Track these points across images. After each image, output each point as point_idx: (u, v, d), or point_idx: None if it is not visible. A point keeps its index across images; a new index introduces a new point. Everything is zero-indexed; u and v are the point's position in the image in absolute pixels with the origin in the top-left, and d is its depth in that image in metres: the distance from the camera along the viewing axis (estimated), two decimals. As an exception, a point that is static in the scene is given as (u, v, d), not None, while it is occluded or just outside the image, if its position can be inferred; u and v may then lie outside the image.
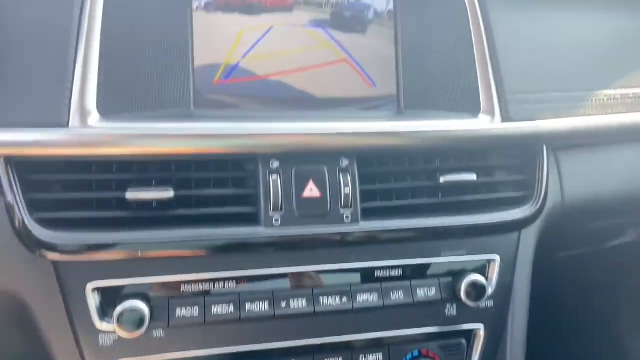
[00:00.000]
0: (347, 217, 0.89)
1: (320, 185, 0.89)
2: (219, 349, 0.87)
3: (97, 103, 0.82)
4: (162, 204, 0.84)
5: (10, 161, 0.79)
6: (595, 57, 1.08)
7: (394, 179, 0.94)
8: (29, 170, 0.81)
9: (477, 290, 0.93)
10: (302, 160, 0.89)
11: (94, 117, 0.82)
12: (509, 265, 0.99)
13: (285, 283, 0.89)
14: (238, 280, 0.87)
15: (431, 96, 0.98)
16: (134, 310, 0.80)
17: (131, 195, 0.82)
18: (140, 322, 0.80)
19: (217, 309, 0.85)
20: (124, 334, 0.81)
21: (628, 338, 1.44)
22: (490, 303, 0.98)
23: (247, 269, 0.87)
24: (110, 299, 0.83)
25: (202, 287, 0.86)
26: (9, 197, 0.79)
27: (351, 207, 0.89)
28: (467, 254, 0.95)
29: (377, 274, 0.92)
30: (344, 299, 0.89)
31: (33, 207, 0.81)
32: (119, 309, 0.80)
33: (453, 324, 0.97)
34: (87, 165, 0.83)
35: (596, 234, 1.33)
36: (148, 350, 0.84)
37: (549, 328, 1.58)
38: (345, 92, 0.97)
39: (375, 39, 0.99)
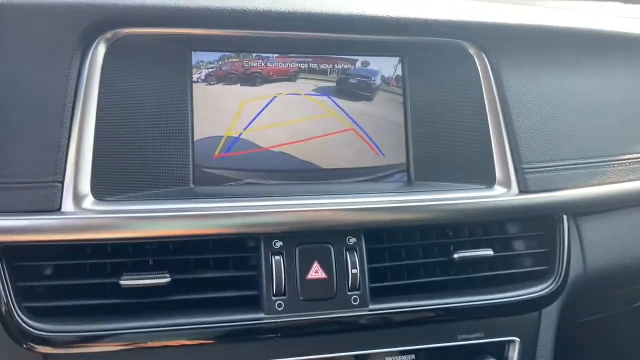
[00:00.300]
0: (355, 299, 0.83)
1: (326, 266, 0.83)
2: None
3: (91, 185, 0.78)
4: (159, 289, 0.79)
5: None
6: (613, 120, 1.03)
7: (404, 255, 0.89)
8: (18, 257, 0.77)
9: (496, 376, 0.86)
10: (307, 239, 0.84)
11: (88, 200, 0.78)
12: (529, 347, 0.93)
13: (291, 373, 0.83)
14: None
15: (443, 166, 0.93)
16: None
17: (125, 282, 0.77)
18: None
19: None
20: None
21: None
22: (511, 387, 0.91)
23: (249, 358, 0.81)
24: None
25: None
26: None
27: (359, 289, 0.84)
28: (484, 337, 0.89)
29: None
30: None
31: (22, 295, 0.76)
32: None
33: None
34: (79, 250, 0.79)
35: (620, 298, 1.26)
36: None
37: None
38: (351, 162, 0.93)
39: (383, 106, 0.95)
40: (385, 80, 0.95)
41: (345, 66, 0.94)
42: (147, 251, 0.81)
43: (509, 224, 0.95)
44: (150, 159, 0.83)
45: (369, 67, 0.95)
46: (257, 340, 0.82)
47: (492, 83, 0.94)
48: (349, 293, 0.83)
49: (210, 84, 0.88)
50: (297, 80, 0.92)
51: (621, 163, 1.01)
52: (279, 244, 0.83)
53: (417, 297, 0.87)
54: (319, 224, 0.84)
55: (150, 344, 0.78)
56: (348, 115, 0.93)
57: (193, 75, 0.88)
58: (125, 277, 0.78)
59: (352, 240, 0.85)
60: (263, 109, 0.90)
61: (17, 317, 0.75)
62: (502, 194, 0.91)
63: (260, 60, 0.90)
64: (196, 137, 0.87)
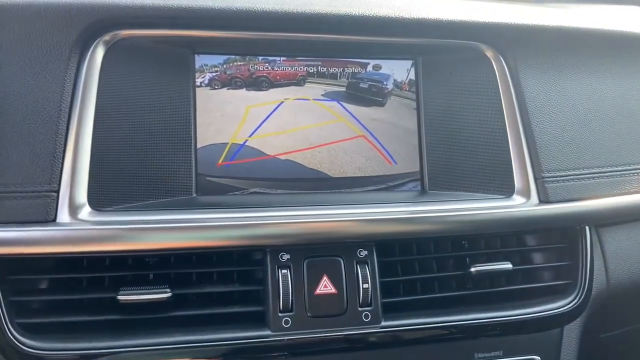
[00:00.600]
0: (366, 316, 0.79)
1: (336, 281, 0.79)
2: None
3: (88, 194, 0.75)
4: (159, 304, 0.75)
5: None
6: (637, 126, 0.98)
7: (418, 268, 0.85)
8: (11, 270, 0.73)
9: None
10: (315, 252, 0.80)
11: (85, 211, 0.74)
12: (551, 366, 0.87)
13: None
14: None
15: (458, 174, 0.89)
16: None
17: (124, 297, 0.74)
18: None
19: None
20: None
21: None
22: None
23: (253, 378, 0.77)
24: None
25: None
26: None
27: (371, 304, 0.79)
28: (503, 356, 0.84)
29: None
30: None
31: (15, 310, 0.73)
32: None
33: None
34: (76, 263, 0.75)
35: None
36: None
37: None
38: (362, 170, 0.89)
39: (395, 112, 0.91)
40: (397, 84, 0.91)
41: (356, 70, 0.89)
42: (147, 264, 0.78)
43: (529, 236, 0.90)
44: (150, 167, 0.80)
45: (380, 71, 0.90)
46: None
47: (510, 87, 0.90)
48: (360, 309, 0.79)
49: (214, 89, 0.85)
50: (306, 85, 0.88)
51: (645, 171, 0.96)
52: (286, 257, 0.78)
53: (431, 314, 0.83)
54: (328, 236, 0.80)
55: None
56: (359, 122, 0.89)
57: (196, 80, 0.84)
58: (124, 292, 0.74)
59: (363, 253, 0.81)
60: (269, 115, 0.86)
61: (9, 333, 0.71)
62: (521, 204, 0.87)
63: (266, 64, 0.86)
64: (199, 144, 0.83)
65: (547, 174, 0.88)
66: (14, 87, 0.73)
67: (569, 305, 0.88)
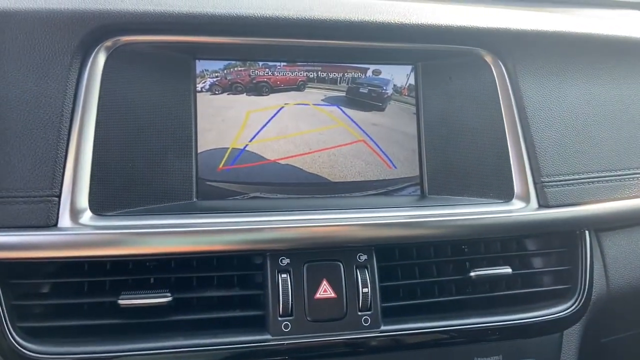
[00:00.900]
0: (366, 320, 0.79)
1: (336, 285, 0.79)
2: None
3: (90, 199, 0.75)
4: (160, 308, 0.76)
5: None
6: (636, 131, 0.98)
7: (418, 273, 0.85)
8: (13, 274, 0.73)
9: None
10: (315, 256, 0.80)
11: (86, 215, 0.74)
12: (550, 371, 0.87)
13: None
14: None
15: (458, 179, 0.89)
16: None
17: (125, 301, 0.74)
18: None
19: None
20: None
21: None
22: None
23: (253, 383, 0.77)
24: None
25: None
26: None
27: (370, 309, 0.79)
28: (502, 360, 0.84)
29: None
30: None
31: (16, 314, 0.73)
32: None
33: None
34: (77, 267, 0.75)
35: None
36: None
37: None
38: (362, 175, 0.89)
39: (395, 117, 0.91)
40: (397, 89, 0.91)
41: (356, 75, 0.90)
42: (147, 269, 0.78)
43: (528, 240, 0.90)
44: (151, 171, 0.80)
45: (380, 76, 0.91)
46: (262, 364, 0.78)
47: (509, 92, 0.90)
48: (360, 313, 0.79)
49: (215, 94, 0.85)
50: (306, 90, 0.88)
51: (645, 176, 0.96)
52: (285, 261, 0.79)
53: (431, 318, 0.83)
54: (328, 240, 0.80)
55: None
56: (358, 126, 0.90)
57: (197, 85, 0.84)
58: (125, 296, 0.74)
59: (363, 257, 0.81)
60: (270, 120, 0.87)
61: (10, 337, 0.71)
62: (520, 209, 0.87)
63: (267, 69, 0.87)
64: (200, 149, 0.84)
65: (547, 179, 0.88)
66: (16, 92, 0.74)
67: (569, 310, 0.88)
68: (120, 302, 0.74)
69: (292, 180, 0.86)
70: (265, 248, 0.79)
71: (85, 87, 0.77)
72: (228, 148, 0.85)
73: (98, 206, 0.76)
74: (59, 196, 0.73)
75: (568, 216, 0.88)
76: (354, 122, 0.90)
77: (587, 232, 0.91)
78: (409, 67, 0.92)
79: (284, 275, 0.78)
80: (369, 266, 0.80)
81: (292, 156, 0.87)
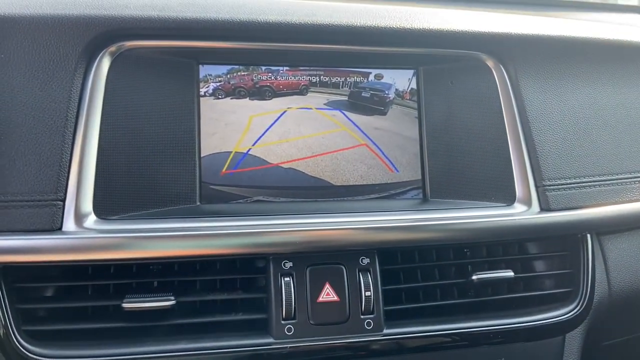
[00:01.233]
0: (368, 323, 0.79)
1: (338, 288, 0.79)
2: None
3: (94, 203, 0.76)
4: (163, 312, 0.76)
5: None
6: (638, 134, 0.98)
7: (420, 276, 0.85)
8: (18, 278, 0.74)
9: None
10: (318, 260, 0.80)
11: (90, 219, 0.75)
12: (553, 375, 0.87)
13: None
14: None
15: (460, 183, 0.90)
16: None
17: (128, 305, 0.74)
18: None
19: None
20: None
21: None
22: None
23: (256, 386, 0.77)
24: None
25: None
26: None
27: (373, 312, 0.80)
28: (505, 364, 0.84)
29: None
30: None
31: (21, 318, 0.73)
32: None
33: None
34: (81, 271, 0.76)
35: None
36: None
37: None
38: (364, 178, 0.90)
39: (397, 121, 0.91)
40: (399, 93, 0.92)
41: (358, 79, 0.90)
42: (151, 272, 0.78)
43: (530, 244, 0.91)
44: (155, 176, 0.80)
45: (382, 80, 0.91)
46: (265, 367, 0.78)
47: (511, 96, 0.91)
48: (362, 317, 0.79)
49: (218, 98, 0.85)
50: (308, 94, 0.89)
51: (646, 179, 0.96)
52: (288, 264, 0.79)
53: (433, 321, 0.83)
54: (330, 244, 0.80)
55: None
56: (361, 130, 0.90)
57: (200, 89, 0.85)
58: (128, 299, 0.74)
59: (366, 260, 0.81)
60: (273, 124, 0.87)
61: (15, 341, 0.72)
62: (522, 212, 0.87)
63: (269, 74, 0.87)
64: (203, 153, 0.84)
65: (548, 182, 0.88)
66: (21, 97, 0.74)
67: (571, 313, 0.88)
68: (124, 305, 0.74)
69: (295, 184, 0.87)
70: (268, 251, 0.79)
71: (90, 92, 0.78)
72: (231, 152, 0.85)
73: (102, 210, 0.76)
74: (64, 200, 0.74)
75: (570, 220, 0.88)
76: (356, 126, 0.90)
77: (588, 235, 0.91)
78: (411, 72, 0.92)
79: (286, 279, 0.78)
80: (371, 269, 0.81)
81: (294, 160, 0.87)
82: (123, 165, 0.79)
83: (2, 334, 0.72)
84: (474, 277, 0.84)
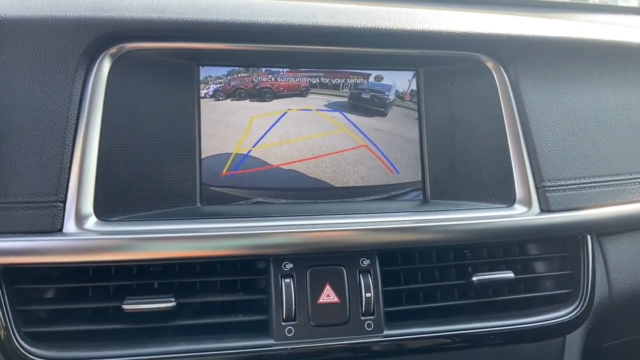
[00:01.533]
0: (369, 325, 0.79)
1: (339, 290, 0.80)
2: None
3: (94, 205, 0.76)
4: (164, 313, 0.76)
5: None
6: (638, 136, 0.99)
7: (420, 277, 0.85)
8: (18, 279, 0.74)
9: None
10: (318, 261, 0.80)
11: (91, 221, 0.75)
12: (553, 376, 0.87)
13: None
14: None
15: (460, 184, 0.90)
16: None
17: (129, 306, 0.74)
18: None
19: None
20: None
21: None
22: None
23: (257, 387, 0.77)
24: None
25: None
26: None
27: (373, 313, 0.80)
28: (506, 365, 0.84)
29: None
30: None
31: (22, 319, 0.73)
32: None
33: None
34: (82, 272, 0.76)
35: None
36: None
37: None
38: (365, 180, 0.90)
39: (397, 122, 0.92)
40: (399, 95, 0.92)
41: (358, 81, 0.90)
42: (152, 274, 0.78)
43: (530, 245, 0.91)
44: (155, 177, 0.81)
45: (382, 82, 0.91)
46: (266, 369, 0.78)
47: (511, 97, 0.91)
48: (363, 318, 0.80)
49: (219, 100, 0.86)
50: (308, 96, 0.89)
51: (647, 180, 0.96)
52: (289, 266, 0.79)
53: (433, 322, 0.83)
54: (331, 245, 0.80)
55: None
56: (361, 132, 0.90)
57: (200, 91, 0.85)
58: (129, 301, 0.74)
59: (366, 262, 0.81)
60: (273, 125, 0.87)
61: (15, 342, 0.72)
62: (522, 214, 0.87)
63: (270, 75, 0.87)
64: (203, 155, 0.84)
65: (548, 184, 0.88)
66: (22, 99, 0.74)
67: (571, 314, 0.88)
68: (125, 307, 0.74)
69: (295, 186, 0.87)
70: (268, 253, 0.79)
71: (91, 94, 0.78)
72: (231, 153, 0.85)
73: (103, 211, 0.76)
74: (64, 202, 0.74)
75: (570, 221, 0.88)
76: (357, 127, 0.90)
77: (589, 236, 0.91)
78: (411, 73, 0.92)
79: (287, 280, 0.78)
80: (371, 271, 0.81)
81: (295, 161, 0.87)
82: (123, 166, 0.79)
83: (2, 336, 0.72)
84: (475, 278, 0.84)
